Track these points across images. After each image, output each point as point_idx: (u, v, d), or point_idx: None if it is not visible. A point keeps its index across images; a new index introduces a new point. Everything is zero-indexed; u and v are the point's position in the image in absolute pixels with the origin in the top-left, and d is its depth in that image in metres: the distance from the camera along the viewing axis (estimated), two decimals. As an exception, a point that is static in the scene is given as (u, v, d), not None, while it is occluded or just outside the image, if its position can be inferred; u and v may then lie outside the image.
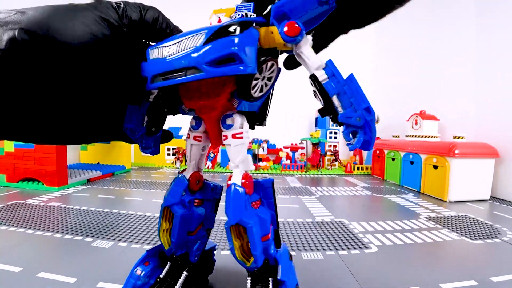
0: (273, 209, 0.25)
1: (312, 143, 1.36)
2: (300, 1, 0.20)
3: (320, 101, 0.22)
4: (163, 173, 1.17)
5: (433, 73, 1.18)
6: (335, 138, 1.48)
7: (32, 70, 0.18)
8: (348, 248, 0.44)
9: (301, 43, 0.21)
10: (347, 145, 0.23)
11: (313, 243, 0.45)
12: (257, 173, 1.22)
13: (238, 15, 0.21)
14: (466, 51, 1.02)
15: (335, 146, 1.47)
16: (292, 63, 0.27)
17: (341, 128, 0.22)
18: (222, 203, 0.26)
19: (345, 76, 0.21)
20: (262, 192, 0.25)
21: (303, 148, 1.40)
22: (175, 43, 0.20)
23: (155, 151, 0.27)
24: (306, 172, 1.27)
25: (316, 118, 1.56)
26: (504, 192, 0.84)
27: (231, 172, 0.23)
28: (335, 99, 0.21)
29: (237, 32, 0.18)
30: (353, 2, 0.23)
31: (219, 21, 0.22)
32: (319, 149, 1.35)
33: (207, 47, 0.18)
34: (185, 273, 0.26)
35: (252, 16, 0.21)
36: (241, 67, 0.18)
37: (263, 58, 0.20)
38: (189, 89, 0.23)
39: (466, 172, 0.79)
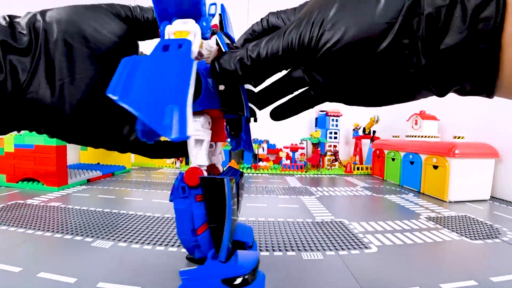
0: (213, 210, 0.24)
1: (312, 143, 1.36)
2: None
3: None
4: (163, 173, 1.17)
5: (433, 73, 1.18)
6: (335, 138, 1.48)
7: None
8: (348, 248, 0.44)
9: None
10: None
11: (313, 243, 0.45)
12: (256, 173, 1.22)
13: None
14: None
15: (335, 146, 1.47)
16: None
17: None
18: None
19: None
20: (202, 190, 0.24)
21: (303, 148, 1.40)
22: None
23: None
24: (306, 172, 1.27)
25: (316, 118, 1.56)
26: (504, 192, 0.84)
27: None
28: None
29: None
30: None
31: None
32: (319, 149, 1.35)
33: None
34: None
35: None
36: None
37: None
38: None
39: (466, 172, 0.79)
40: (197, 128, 0.24)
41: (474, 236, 0.51)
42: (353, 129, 1.49)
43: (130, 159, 1.25)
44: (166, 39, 0.19)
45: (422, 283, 0.34)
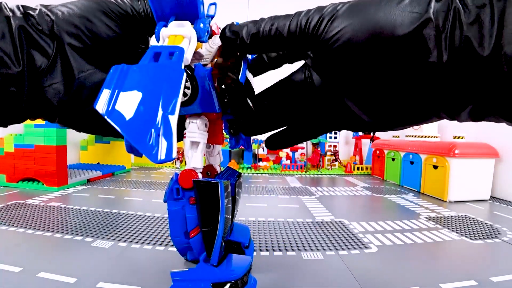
0: (206, 213, 0.24)
1: (312, 143, 1.36)
2: None
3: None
4: (163, 173, 1.17)
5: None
6: (335, 138, 1.48)
7: None
8: (348, 248, 0.44)
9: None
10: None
11: (313, 243, 0.45)
12: (256, 173, 1.22)
13: None
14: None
15: (335, 146, 1.47)
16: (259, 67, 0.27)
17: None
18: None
19: None
20: (195, 193, 0.24)
21: (303, 148, 1.40)
22: None
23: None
24: (306, 172, 1.27)
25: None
26: (504, 192, 0.84)
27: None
28: None
29: None
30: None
31: None
32: (319, 149, 1.35)
33: None
34: None
35: None
36: None
37: None
38: None
39: (466, 172, 0.79)
40: (193, 130, 0.24)
41: (474, 236, 0.51)
42: (353, 129, 1.48)
43: (130, 159, 1.25)
44: (158, 46, 0.18)
45: (422, 283, 0.34)
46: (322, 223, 0.56)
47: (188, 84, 0.21)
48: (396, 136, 1.19)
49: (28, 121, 0.28)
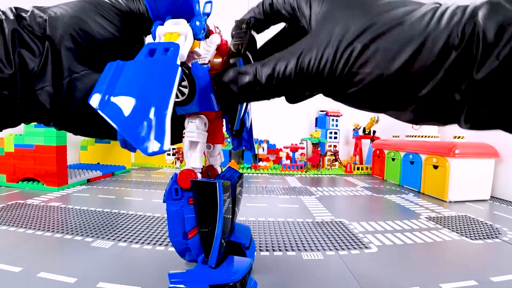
0: (203, 214, 0.23)
1: (312, 143, 1.36)
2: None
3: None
4: (163, 173, 1.17)
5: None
6: (335, 138, 1.48)
7: None
8: (348, 248, 0.44)
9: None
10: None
11: (313, 243, 0.45)
12: (256, 173, 1.22)
13: None
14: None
15: (335, 146, 1.47)
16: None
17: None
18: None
19: None
20: (193, 193, 0.24)
21: (303, 148, 1.40)
22: None
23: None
24: (306, 172, 1.27)
25: (316, 118, 1.56)
26: (504, 192, 0.84)
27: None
28: None
29: None
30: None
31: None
32: (319, 149, 1.35)
33: None
34: None
35: None
36: None
37: None
38: None
39: (466, 172, 0.79)
40: (192, 130, 0.24)
41: (474, 236, 0.51)
42: (353, 129, 1.48)
43: (130, 159, 1.25)
44: (153, 43, 0.18)
45: (422, 283, 0.34)
46: (322, 223, 0.56)
47: (186, 83, 0.21)
48: (396, 136, 1.19)
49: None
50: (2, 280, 0.32)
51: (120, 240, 0.44)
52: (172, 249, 0.42)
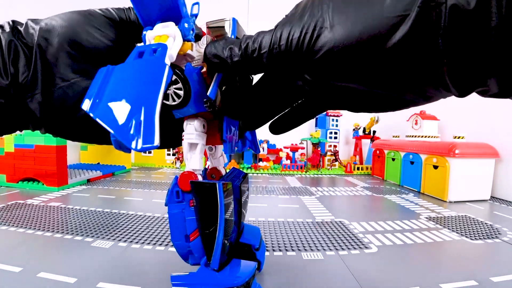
0: (204, 216, 0.23)
1: (312, 143, 1.36)
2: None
3: None
4: (163, 173, 1.17)
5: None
6: (335, 138, 1.48)
7: None
8: (348, 248, 0.44)
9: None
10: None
11: (313, 243, 0.45)
12: (256, 173, 1.22)
13: None
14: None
15: (335, 146, 1.47)
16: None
17: None
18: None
19: None
20: (193, 195, 0.24)
21: (303, 148, 1.40)
22: None
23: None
24: (306, 172, 1.27)
25: (316, 118, 1.56)
26: (504, 192, 0.84)
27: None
28: None
29: None
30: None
31: None
32: (319, 149, 1.35)
33: None
34: None
35: None
36: None
37: None
38: None
39: (466, 172, 0.79)
40: (191, 132, 0.24)
41: (474, 236, 0.51)
42: (353, 129, 1.48)
43: (130, 159, 1.25)
44: (142, 46, 0.19)
45: (422, 283, 0.34)
46: (322, 223, 0.56)
47: (180, 85, 0.21)
48: (396, 136, 1.19)
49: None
50: (2, 280, 0.32)
51: (120, 240, 0.44)
52: (172, 249, 0.42)
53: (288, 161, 1.32)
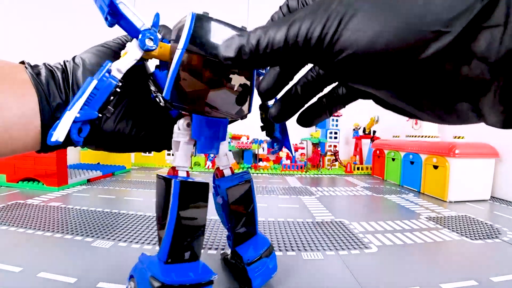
0: (158, 208, 0.25)
1: (312, 143, 1.36)
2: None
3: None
4: (163, 173, 1.17)
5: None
6: (335, 138, 1.48)
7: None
8: (348, 248, 0.44)
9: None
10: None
11: (313, 243, 0.45)
12: (256, 173, 1.22)
13: None
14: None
15: (335, 146, 1.47)
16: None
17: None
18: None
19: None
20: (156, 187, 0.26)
21: (303, 148, 1.40)
22: None
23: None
24: (306, 172, 1.27)
25: (316, 118, 1.55)
26: (504, 192, 0.84)
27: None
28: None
29: None
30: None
31: None
32: (319, 149, 1.35)
33: None
34: None
35: None
36: None
37: None
38: None
39: (466, 172, 0.79)
40: (175, 130, 0.26)
41: (474, 236, 0.51)
42: (353, 129, 1.48)
43: (130, 159, 1.25)
44: (104, 64, 0.23)
45: (422, 283, 0.34)
46: (322, 223, 0.56)
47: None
48: (396, 136, 1.19)
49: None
50: (2, 280, 0.32)
51: (120, 240, 0.44)
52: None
53: (288, 161, 1.32)
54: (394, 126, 1.35)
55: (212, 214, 0.30)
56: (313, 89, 0.21)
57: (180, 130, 0.25)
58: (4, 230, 0.48)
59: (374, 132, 1.43)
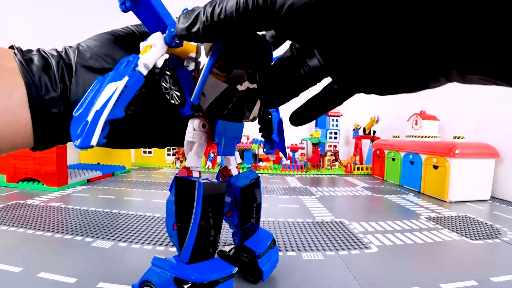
0: (180, 209, 0.25)
1: (312, 143, 1.36)
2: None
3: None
4: (163, 173, 1.17)
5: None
6: (335, 138, 1.48)
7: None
8: (348, 248, 0.44)
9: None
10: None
11: (313, 243, 0.45)
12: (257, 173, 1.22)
13: None
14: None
15: (335, 146, 1.47)
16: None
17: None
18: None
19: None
20: (174, 188, 0.25)
21: (303, 148, 1.40)
22: None
23: None
24: (306, 172, 1.27)
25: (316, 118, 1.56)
26: (504, 192, 0.84)
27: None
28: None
29: None
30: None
31: None
32: (319, 149, 1.35)
33: None
34: None
35: None
36: None
37: (157, 71, 0.25)
38: None
39: (466, 172, 0.79)
40: (189, 130, 0.26)
41: (474, 236, 0.51)
42: (353, 129, 1.49)
43: (130, 159, 1.25)
44: (124, 57, 0.21)
45: (422, 283, 0.34)
46: (322, 223, 0.56)
47: (177, 87, 0.23)
48: (396, 136, 1.19)
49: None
50: (2, 280, 0.32)
51: (120, 240, 0.44)
52: (172, 249, 0.42)
53: (288, 161, 1.32)
54: (394, 126, 1.35)
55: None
56: (306, 78, 0.22)
57: (196, 131, 0.25)
58: (4, 230, 0.48)
59: (374, 132, 1.43)
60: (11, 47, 0.22)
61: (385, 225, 0.56)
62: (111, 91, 0.18)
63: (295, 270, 0.36)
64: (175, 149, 1.41)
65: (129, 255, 0.40)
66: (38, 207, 0.62)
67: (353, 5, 0.12)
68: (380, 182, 1.09)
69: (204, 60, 0.22)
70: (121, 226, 0.51)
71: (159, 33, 0.21)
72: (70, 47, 0.23)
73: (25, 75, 0.20)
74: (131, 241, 0.44)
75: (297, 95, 0.22)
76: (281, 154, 1.39)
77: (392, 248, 0.45)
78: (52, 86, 0.21)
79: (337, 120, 1.49)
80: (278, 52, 0.25)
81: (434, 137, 1.00)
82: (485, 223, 0.59)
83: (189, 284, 0.23)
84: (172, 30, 0.21)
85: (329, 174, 1.26)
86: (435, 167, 0.84)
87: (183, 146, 0.28)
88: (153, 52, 0.21)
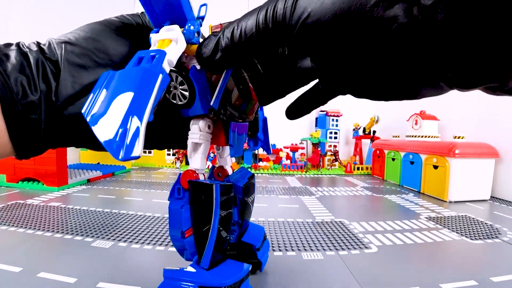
0: (198, 215, 0.24)
1: (312, 143, 1.36)
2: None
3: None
4: (163, 173, 1.17)
5: (433, 73, 1.18)
6: (335, 138, 1.48)
7: None
8: (348, 248, 0.44)
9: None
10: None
11: (313, 243, 0.45)
12: (256, 173, 1.22)
13: None
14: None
15: (335, 146, 1.47)
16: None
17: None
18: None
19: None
20: (189, 193, 0.24)
21: (303, 148, 1.40)
22: None
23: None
24: (306, 172, 1.27)
25: (316, 118, 1.56)
26: (504, 192, 0.84)
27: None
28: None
29: None
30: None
31: None
32: (319, 149, 1.35)
33: None
34: None
35: None
36: None
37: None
38: None
39: (466, 172, 0.79)
40: (195, 132, 0.24)
41: (474, 236, 0.51)
42: (353, 129, 1.49)
43: (130, 159, 1.25)
44: (143, 51, 0.19)
45: (422, 283, 0.34)
46: (322, 223, 0.56)
47: (186, 86, 0.21)
48: (396, 136, 1.19)
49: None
50: (2, 280, 0.32)
51: (120, 240, 0.44)
52: (172, 249, 0.42)
53: (288, 161, 1.32)
54: (394, 126, 1.35)
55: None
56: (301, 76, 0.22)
57: (202, 132, 0.25)
58: (4, 230, 0.48)
59: (374, 132, 1.43)
60: None
61: (385, 225, 0.56)
62: (146, 91, 0.15)
63: (295, 270, 0.36)
64: (175, 149, 1.41)
65: (129, 255, 0.40)
66: (38, 207, 0.62)
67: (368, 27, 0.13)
68: (380, 182, 1.09)
69: None
70: (121, 226, 0.51)
71: (177, 26, 0.20)
72: (56, 39, 0.20)
73: None
74: (131, 241, 0.44)
75: (284, 96, 0.23)
76: (285, 150, 1.39)
77: (392, 248, 0.45)
78: (31, 88, 0.18)
79: (337, 120, 1.49)
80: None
81: (434, 137, 1.00)
82: (485, 223, 0.59)
83: None
84: (195, 26, 0.20)
85: (329, 174, 1.26)
86: (435, 167, 0.84)
87: (181, 148, 0.28)
88: (175, 48, 0.19)
